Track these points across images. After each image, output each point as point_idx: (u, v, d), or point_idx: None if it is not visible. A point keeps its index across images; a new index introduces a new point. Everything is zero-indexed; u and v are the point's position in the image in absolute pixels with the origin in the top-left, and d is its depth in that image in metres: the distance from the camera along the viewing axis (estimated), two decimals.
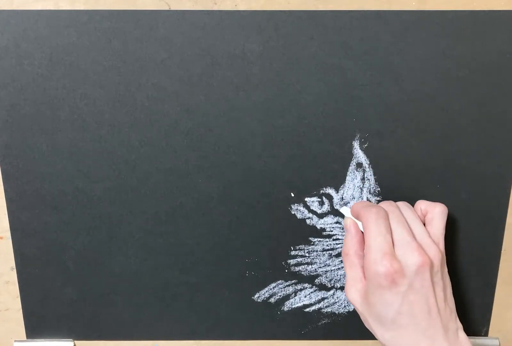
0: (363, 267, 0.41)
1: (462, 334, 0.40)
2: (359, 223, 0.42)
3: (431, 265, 0.39)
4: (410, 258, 0.38)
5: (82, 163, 0.44)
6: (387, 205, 0.42)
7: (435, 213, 0.42)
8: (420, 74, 0.41)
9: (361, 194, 0.45)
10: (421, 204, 0.43)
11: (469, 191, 0.44)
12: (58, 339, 0.49)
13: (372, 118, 0.43)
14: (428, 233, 0.41)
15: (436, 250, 0.39)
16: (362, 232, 0.41)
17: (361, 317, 0.42)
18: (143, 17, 0.40)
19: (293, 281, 0.48)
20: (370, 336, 0.50)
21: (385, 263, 0.38)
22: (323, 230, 0.46)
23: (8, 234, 0.46)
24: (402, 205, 0.42)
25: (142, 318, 0.49)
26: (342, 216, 0.45)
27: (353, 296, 0.41)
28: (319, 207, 0.45)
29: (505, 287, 0.48)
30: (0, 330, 0.50)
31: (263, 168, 0.44)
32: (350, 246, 0.42)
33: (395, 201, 0.43)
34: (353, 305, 0.42)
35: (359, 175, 0.44)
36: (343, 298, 0.48)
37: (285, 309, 0.49)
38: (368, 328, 0.42)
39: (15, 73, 0.41)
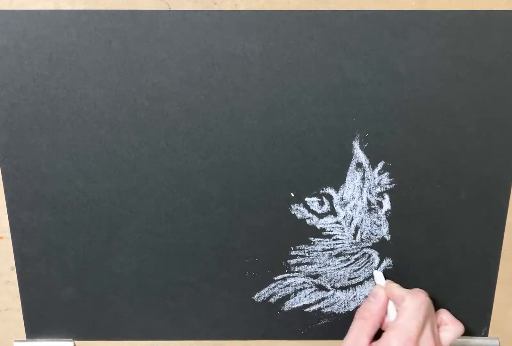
0: (370, 337, 0.43)
1: None
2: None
3: None
4: None
5: (82, 163, 0.44)
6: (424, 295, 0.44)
7: (452, 330, 0.44)
8: (420, 74, 0.41)
9: (361, 194, 0.45)
10: (444, 314, 0.45)
11: (469, 191, 0.44)
12: (58, 339, 0.49)
13: (372, 118, 0.42)
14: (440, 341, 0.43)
15: None
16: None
17: None
18: (143, 17, 0.40)
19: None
20: None
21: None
22: (323, 230, 0.46)
23: (8, 234, 0.46)
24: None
25: (142, 318, 0.49)
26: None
27: None
28: (319, 207, 0.45)
29: (505, 287, 0.48)
30: (0, 330, 0.50)
31: (263, 168, 0.44)
32: (372, 314, 0.44)
33: (396, 201, 0.43)
34: None
35: (359, 175, 0.44)
36: (343, 298, 0.48)
37: (285, 309, 0.49)
38: None
39: (15, 73, 0.41)
